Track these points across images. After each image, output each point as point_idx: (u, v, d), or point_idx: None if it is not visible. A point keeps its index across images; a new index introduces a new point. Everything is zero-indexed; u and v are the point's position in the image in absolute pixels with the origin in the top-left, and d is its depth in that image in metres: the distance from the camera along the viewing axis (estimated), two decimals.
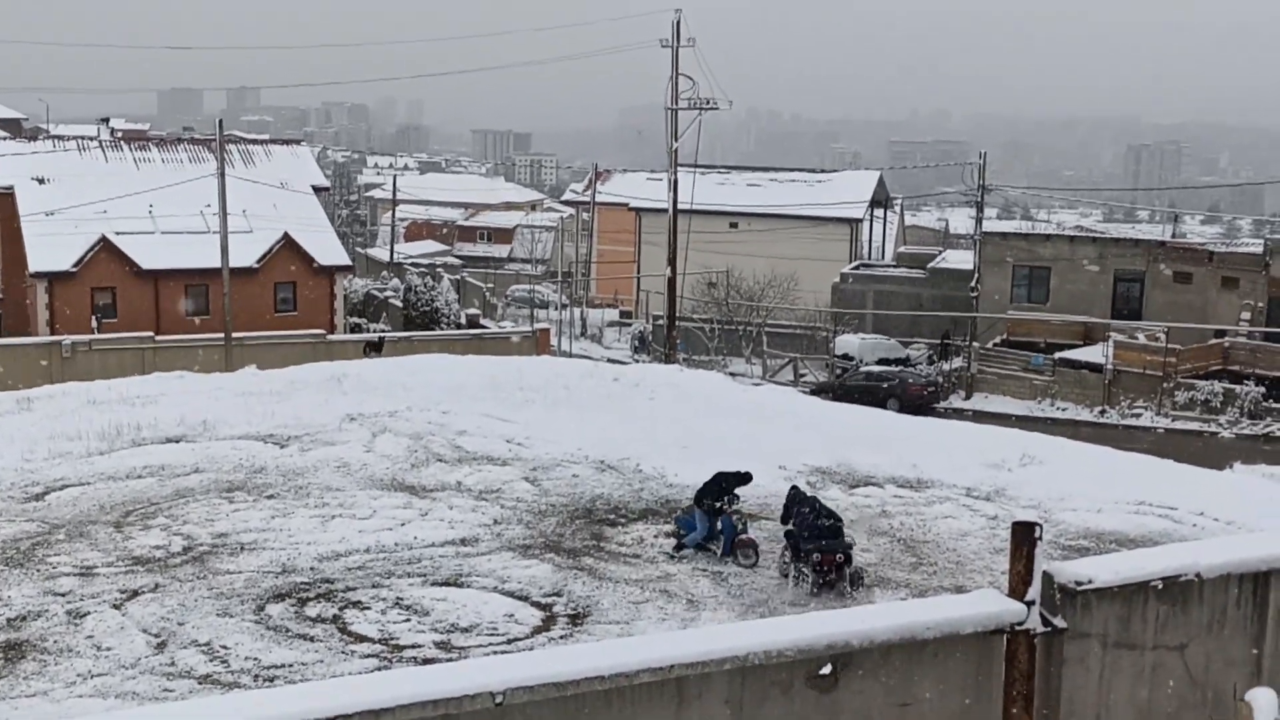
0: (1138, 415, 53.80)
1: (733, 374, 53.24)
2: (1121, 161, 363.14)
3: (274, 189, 57.51)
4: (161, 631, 13.38)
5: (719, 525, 16.60)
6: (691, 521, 16.81)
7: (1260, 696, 6.44)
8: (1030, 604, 7.32)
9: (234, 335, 46.85)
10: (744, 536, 16.54)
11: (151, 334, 50.38)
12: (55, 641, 13.05)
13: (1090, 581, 7.47)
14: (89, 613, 13.77)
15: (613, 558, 16.53)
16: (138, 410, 23.44)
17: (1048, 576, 7.43)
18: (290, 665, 12.66)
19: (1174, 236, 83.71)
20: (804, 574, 15.39)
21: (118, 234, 54.83)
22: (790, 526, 15.86)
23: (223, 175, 46.48)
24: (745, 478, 17.09)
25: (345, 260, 61.47)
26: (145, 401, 24.41)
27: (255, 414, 23.22)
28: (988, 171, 65.80)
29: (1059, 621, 7.39)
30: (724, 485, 16.96)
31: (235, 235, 49.76)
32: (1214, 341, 57.44)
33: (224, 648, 13.01)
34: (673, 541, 17.05)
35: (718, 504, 16.72)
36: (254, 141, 67.95)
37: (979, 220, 65.92)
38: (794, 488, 16.73)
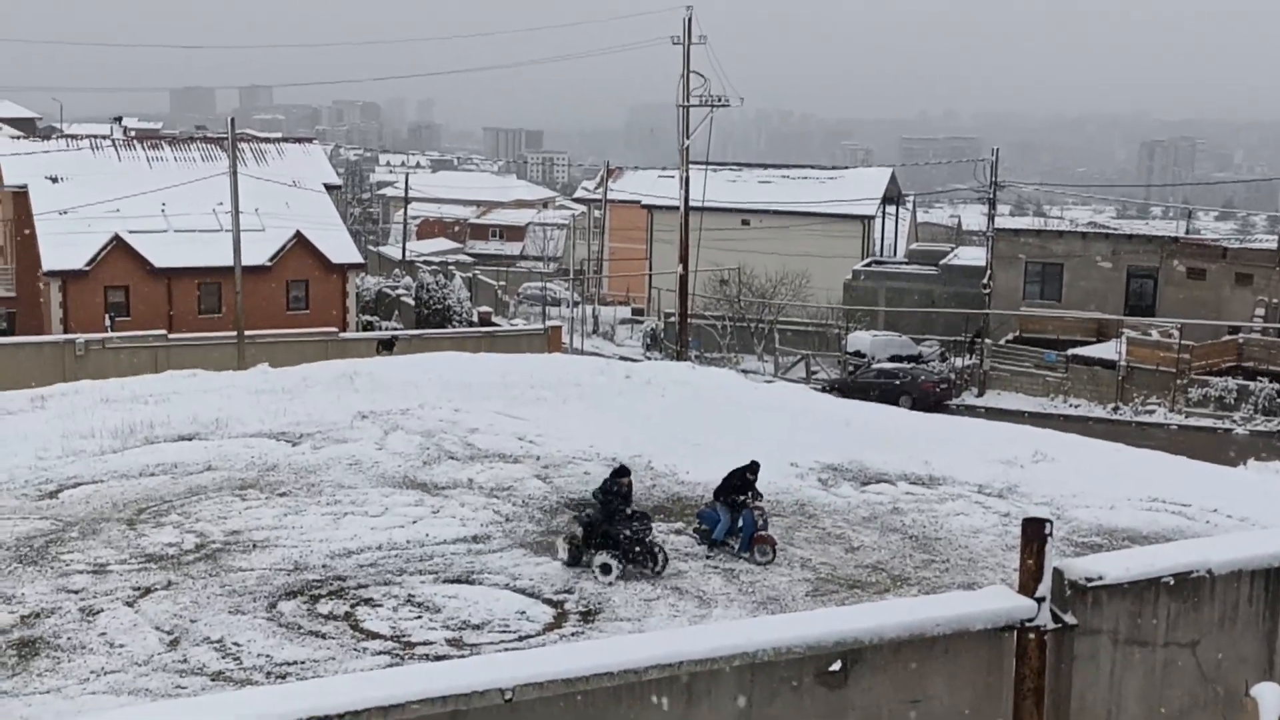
0: (1151, 412, 53.62)
1: (745, 371, 53.20)
2: (1134, 158, 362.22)
3: (286, 187, 57.60)
4: (174, 629, 13.42)
5: (739, 520, 16.61)
6: (715, 515, 16.83)
7: (1267, 691, 6.42)
8: (1041, 601, 7.30)
9: (246, 333, 46.95)
10: (763, 533, 16.54)
11: (164, 332, 50.53)
12: (69, 639, 13.10)
13: (1101, 578, 7.45)
14: (102, 610, 13.82)
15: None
16: (150, 408, 23.50)
17: (1058, 573, 7.41)
18: (302, 662, 12.70)
19: (1188, 233, 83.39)
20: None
21: (131, 233, 54.98)
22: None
23: (235, 173, 46.57)
24: (754, 467, 17.13)
25: (357, 258, 61.57)
26: (158, 400, 24.48)
27: (267, 412, 23.27)
28: (1000, 168, 65.61)
29: (1069, 618, 7.37)
30: (741, 480, 16.98)
31: (248, 233, 49.87)
32: (1228, 338, 57.23)
33: (236, 645, 13.05)
34: (685, 539, 17.06)
35: (740, 498, 16.75)
36: (266, 140, 68.09)
37: (991, 217, 65.76)
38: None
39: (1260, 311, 58.82)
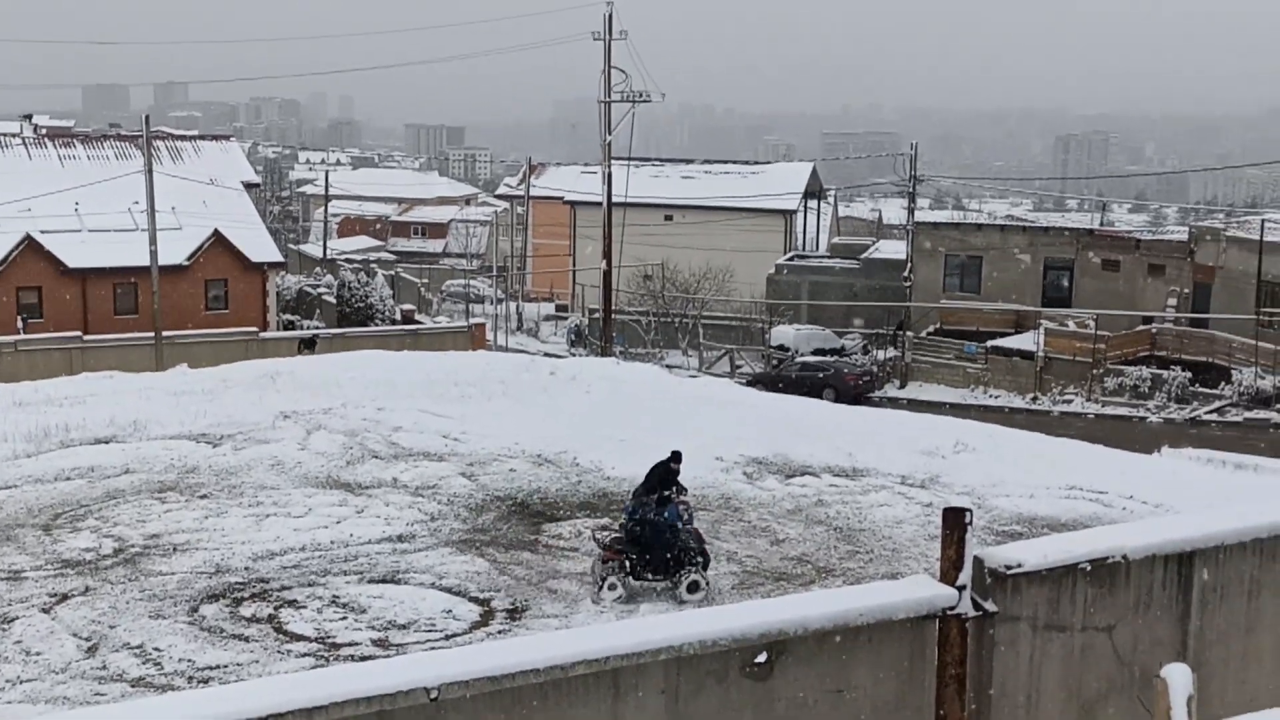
0: (1069, 401, 54.52)
1: (669, 366, 53.34)
2: (1050, 151, 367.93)
3: (203, 185, 56.75)
4: (93, 635, 13.20)
5: (666, 515, 16.62)
6: None
7: (1176, 672, 6.55)
8: (962, 589, 7.40)
9: (164, 334, 46.22)
10: (690, 527, 16.56)
11: (79, 334, 49.59)
12: None
13: (1020, 565, 7.56)
14: (17, 618, 13.54)
15: (551, 551, 16.52)
16: (66, 411, 23.07)
17: (978, 561, 7.51)
18: (225, 666, 12.54)
19: (1102, 225, 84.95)
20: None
21: (43, 233, 53.87)
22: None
23: (150, 172, 45.82)
24: (676, 457, 17.12)
25: (277, 257, 60.80)
26: (73, 402, 24.04)
27: (187, 413, 22.95)
28: (919, 163, 66.30)
29: (990, 605, 7.48)
30: (665, 472, 16.97)
31: (164, 233, 49.08)
32: (1142, 328, 58.35)
33: (157, 650, 12.85)
34: (609, 535, 17.04)
35: (666, 493, 16.74)
36: (182, 138, 66.96)
37: (911, 211, 66.44)
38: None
39: (1172, 302, 60.05)
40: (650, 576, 15.12)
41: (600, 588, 14.92)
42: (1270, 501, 10.08)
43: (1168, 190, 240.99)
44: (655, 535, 15.22)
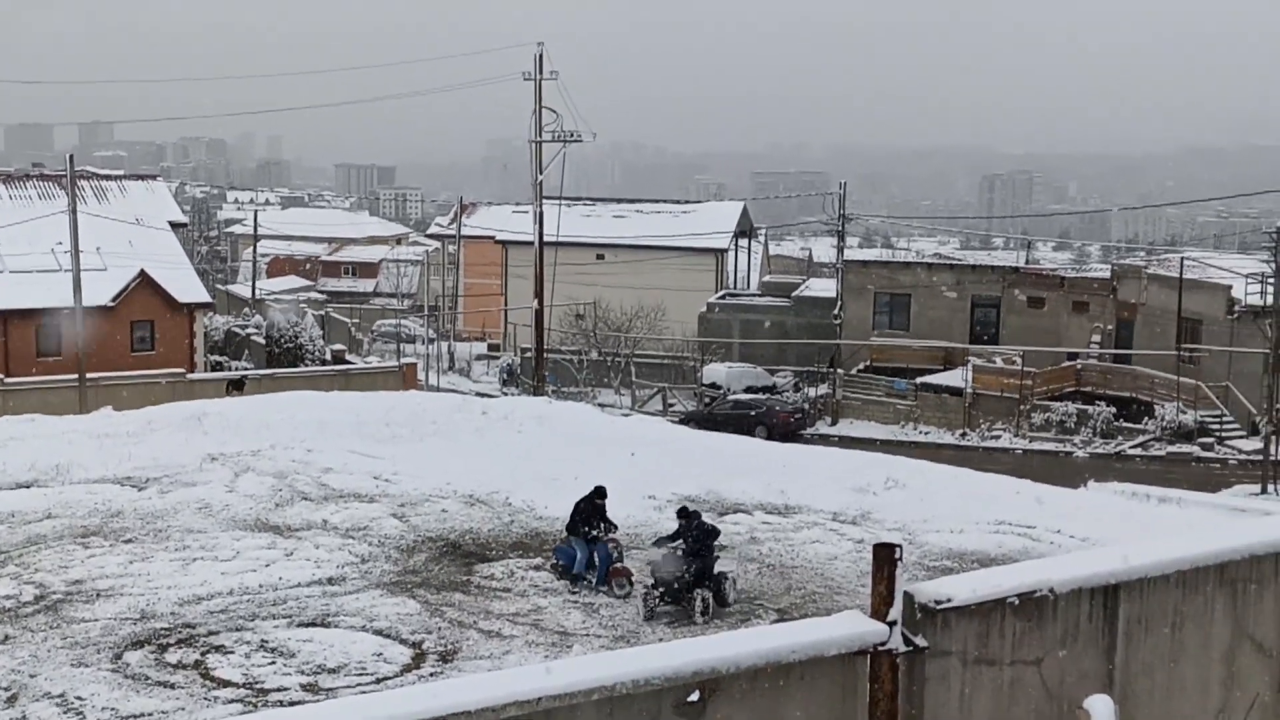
0: (997, 437, 55.20)
1: (602, 405, 53.33)
2: (976, 190, 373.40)
3: (129, 225, 56.04)
4: (12, 684, 12.89)
5: (595, 554, 16.59)
6: (571, 552, 16.78)
7: (1098, 703, 6.64)
8: (892, 624, 7.44)
9: (89, 376, 45.45)
10: (618, 565, 16.55)
11: (0, 376, 48.63)
12: None
13: (949, 600, 7.62)
14: None
15: (483, 592, 16.41)
16: None
17: (908, 596, 7.56)
18: (150, 714, 12.30)
19: (1027, 263, 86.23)
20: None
21: None
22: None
23: (74, 211, 45.20)
24: (600, 491, 17.13)
25: (205, 297, 60.13)
26: None
27: (111, 456, 22.57)
28: (848, 201, 67.13)
29: (920, 640, 7.52)
30: (590, 507, 16.95)
31: (89, 273, 48.37)
32: (1067, 364, 59.30)
33: (79, 699, 12.58)
34: (544, 575, 16.98)
35: (594, 532, 16.72)
36: (108, 177, 66.08)
37: (840, 249, 67.17)
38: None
39: (1096, 338, 61.13)
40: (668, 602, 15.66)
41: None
42: (1192, 534, 10.25)
43: (1090, 229, 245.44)
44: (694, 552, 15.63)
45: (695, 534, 15.83)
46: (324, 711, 6.47)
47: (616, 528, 17.07)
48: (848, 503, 21.46)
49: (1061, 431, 54.58)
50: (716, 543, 16.16)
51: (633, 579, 16.48)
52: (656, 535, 16.38)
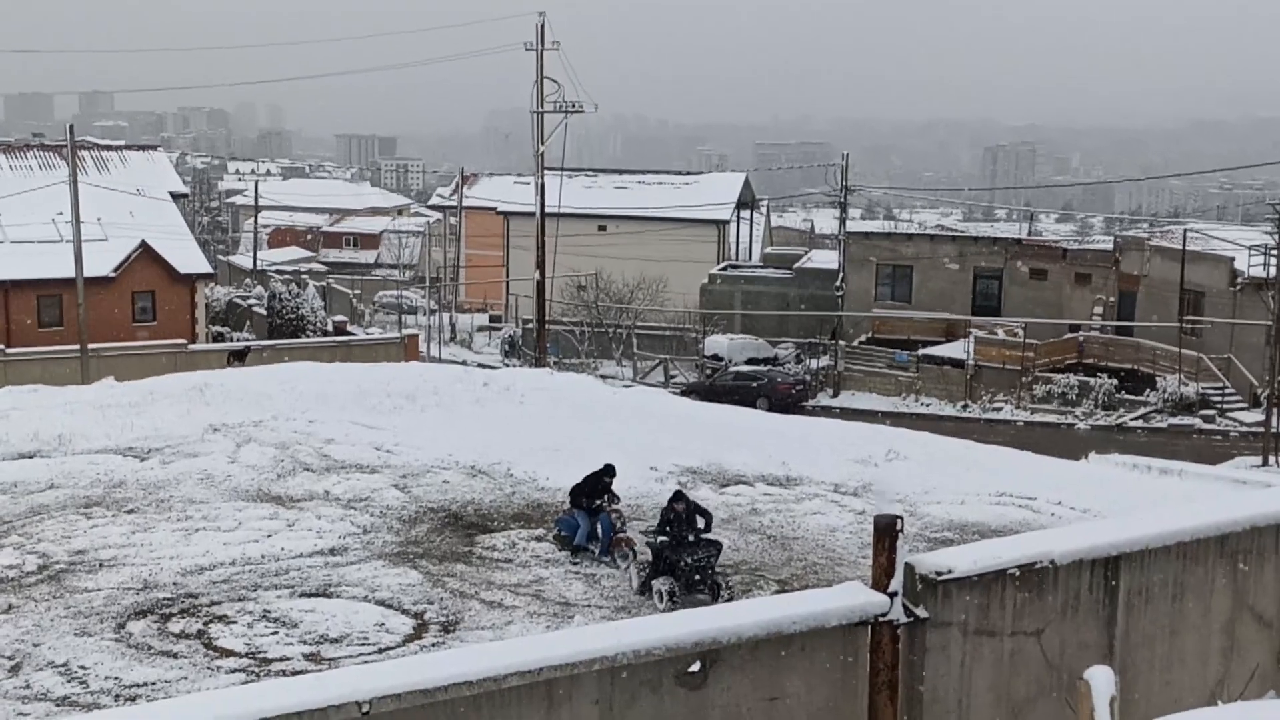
0: (998, 409, 55.22)
1: (603, 376, 53.32)
2: (979, 162, 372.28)
3: (130, 196, 55.96)
4: (16, 654, 12.94)
5: (598, 525, 16.62)
6: (573, 522, 16.80)
7: (1098, 674, 6.65)
8: (893, 595, 7.46)
9: (90, 346, 45.47)
10: (621, 535, 16.57)
11: (2, 347, 48.67)
12: None
13: (950, 571, 7.64)
14: None
15: (485, 563, 16.45)
16: None
17: (909, 568, 7.58)
18: (153, 684, 12.34)
19: (1030, 234, 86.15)
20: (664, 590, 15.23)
21: None
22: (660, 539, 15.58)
23: (75, 182, 45.12)
24: (609, 470, 17.14)
25: (206, 268, 60.09)
26: None
27: (114, 427, 22.58)
28: (851, 173, 66.93)
29: (921, 611, 7.55)
30: (597, 484, 16.97)
31: (90, 244, 48.32)
32: (1069, 336, 59.28)
33: (82, 668, 12.63)
34: (545, 546, 17.02)
35: (597, 502, 16.74)
36: (108, 147, 65.94)
37: (843, 221, 67.03)
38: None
39: (1098, 310, 61.09)
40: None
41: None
42: (1193, 505, 10.26)
43: (1093, 200, 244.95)
44: (673, 544, 15.27)
45: (675, 521, 15.51)
46: (327, 680, 6.49)
47: (619, 499, 17.09)
48: (849, 474, 21.49)
49: (1063, 403, 54.60)
50: (702, 526, 15.63)
51: (636, 549, 16.50)
52: (648, 530, 16.04)
